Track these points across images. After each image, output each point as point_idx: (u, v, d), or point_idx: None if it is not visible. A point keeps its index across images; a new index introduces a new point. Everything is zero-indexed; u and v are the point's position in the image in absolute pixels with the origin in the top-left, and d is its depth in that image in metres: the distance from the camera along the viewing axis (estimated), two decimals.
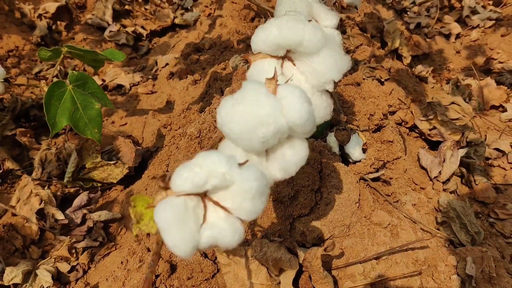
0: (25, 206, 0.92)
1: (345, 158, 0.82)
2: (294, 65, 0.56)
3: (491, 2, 1.84)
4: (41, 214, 0.92)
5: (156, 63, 1.45)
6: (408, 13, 1.80)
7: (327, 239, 0.70)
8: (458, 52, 1.64)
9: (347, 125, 0.84)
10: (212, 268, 0.69)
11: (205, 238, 0.39)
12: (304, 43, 0.53)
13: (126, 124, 1.19)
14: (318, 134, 0.83)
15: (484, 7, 1.82)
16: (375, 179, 0.81)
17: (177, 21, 1.70)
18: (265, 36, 0.55)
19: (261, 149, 0.45)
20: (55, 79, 1.04)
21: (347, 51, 1.29)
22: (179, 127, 1.04)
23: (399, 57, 1.48)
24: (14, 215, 0.93)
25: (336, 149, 0.79)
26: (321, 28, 0.64)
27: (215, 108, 0.92)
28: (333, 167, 0.73)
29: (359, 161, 0.80)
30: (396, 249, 0.70)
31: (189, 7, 1.83)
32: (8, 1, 1.48)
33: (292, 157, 0.47)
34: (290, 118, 0.45)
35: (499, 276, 0.76)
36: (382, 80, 1.09)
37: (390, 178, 0.84)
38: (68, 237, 0.89)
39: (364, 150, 0.81)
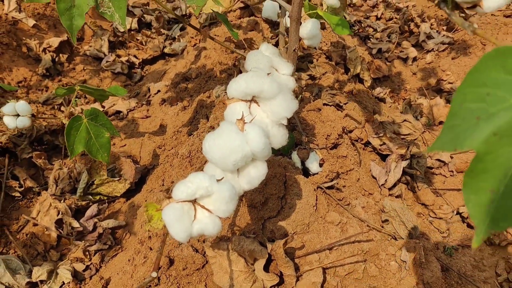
0: (45, 217, 1.11)
1: (306, 172, 1.02)
2: (259, 106, 0.76)
3: (444, 28, 2.08)
4: (58, 223, 1.10)
5: (149, 89, 1.65)
6: (371, 39, 2.03)
7: (291, 234, 0.91)
8: (414, 73, 1.86)
9: (307, 144, 1.05)
10: (202, 260, 0.88)
11: (196, 230, 0.59)
12: (264, 92, 0.73)
13: (125, 145, 1.38)
14: (285, 152, 1.04)
15: (438, 32, 2.06)
16: (329, 187, 1.01)
17: (166, 50, 1.91)
18: (236, 87, 0.75)
19: (233, 169, 0.66)
20: (68, 109, 1.24)
21: (313, 78, 1.50)
22: (172, 148, 1.24)
23: (361, 81, 1.69)
24: (35, 225, 1.12)
25: (298, 164, 1.00)
26: (279, 76, 0.86)
27: (202, 132, 1.13)
28: (295, 179, 0.94)
29: (317, 173, 1.01)
30: (344, 241, 0.90)
31: (176, 37, 2.03)
32: (15, 37, 1.68)
33: (255, 174, 0.68)
34: (252, 148, 0.65)
35: (429, 262, 0.97)
36: (341, 104, 1.30)
37: (343, 186, 1.04)
38: (82, 241, 1.08)
39: (320, 165, 1.02)
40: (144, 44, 1.93)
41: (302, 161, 1.00)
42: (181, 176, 1.07)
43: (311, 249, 0.89)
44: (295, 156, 1.00)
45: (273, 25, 1.73)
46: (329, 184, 1.00)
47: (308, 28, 1.08)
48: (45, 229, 1.10)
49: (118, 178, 1.19)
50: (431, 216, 1.18)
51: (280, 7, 1.29)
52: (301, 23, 1.01)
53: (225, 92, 1.29)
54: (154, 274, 0.66)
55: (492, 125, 0.34)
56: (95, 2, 0.77)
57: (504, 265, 1.08)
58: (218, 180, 0.62)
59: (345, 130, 1.17)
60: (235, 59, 1.56)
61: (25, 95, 1.55)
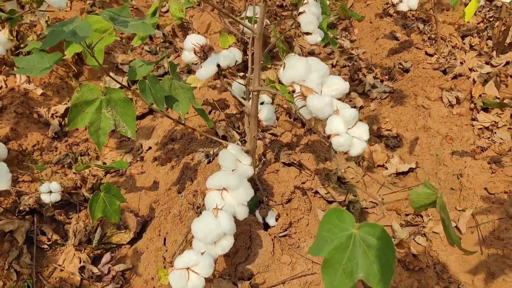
0: (70, 264, 1.45)
1: (266, 225, 1.40)
2: (228, 193, 1.13)
3: (387, 77, 2.48)
4: (81, 269, 1.45)
5: (142, 146, 2.01)
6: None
7: (256, 274, 1.27)
8: (361, 120, 2.25)
9: (267, 203, 1.42)
10: None
11: (189, 286, 0.96)
12: (230, 186, 1.10)
13: (126, 199, 1.73)
14: (250, 211, 1.41)
15: (382, 81, 2.46)
16: (283, 236, 1.39)
17: (153, 107, 2.26)
18: (212, 182, 1.11)
19: (212, 243, 1.03)
20: (87, 184, 1.59)
21: (275, 135, 1.88)
22: (165, 203, 1.60)
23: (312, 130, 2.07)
24: (62, 270, 1.46)
25: (260, 220, 1.37)
26: (242, 166, 1.23)
27: (188, 194, 1.49)
28: (257, 233, 1.31)
29: (274, 226, 1.38)
30: (293, 277, 1.27)
31: None
32: (28, 106, 2.01)
33: (226, 244, 1.05)
34: (223, 228, 1.02)
35: None
36: (295, 161, 1.68)
37: (294, 233, 1.42)
38: (100, 283, 1.42)
39: (276, 219, 1.39)
40: (135, 102, 2.28)
41: (263, 218, 1.37)
42: (174, 230, 1.43)
43: (270, 284, 1.26)
44: (257, 214, 1.37)
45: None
46: (283, 233, 1.37)
47: (265, 113, 1.45)
48: (71, 274, 1.44)
49: (124, 230, 1.54)
50: None
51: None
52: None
53: (205, 157, 1.65)
54: None
55: (332, 245, 0.71)
56: (114, 125, 1.13)
57: (417, 284, 1.46)
58: (202, 253, 0.99)
59: (296, 187, 1.55)
60: (212, 121, 1.92)
61: (39, 157, 1.89)
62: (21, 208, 1.59)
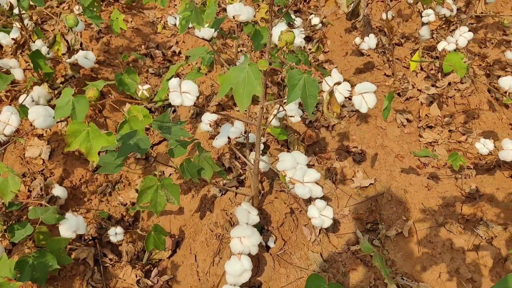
0: (129, 278, 2.05)
1: (268, 247, 2.00)
2: (244, 238, 1.73)
3: None
4: (138, 281, 2.04)
5: (163, 173, 2.56)
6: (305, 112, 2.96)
7: (263, 283, 1.89)
8: (333, 137, 2.82)
9: (267, 230, 2.02)
10: None
11: None
12: (246, 235, 1.71)
13: (159, 221, 2.31)
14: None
15: (350, 98, 3.01)
16: (280, 253, 2.00)
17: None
18: (234, 233, 1.72)
19: (238, 276, 1.65)
20: (139, 227, 2.15)
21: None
22: (191, 227, 2.18)
23: None
24: (123, 281, 2.06)
25: (263, 244, 1.98)
26: (252, 216, 1.83)
27: (210, 224, 2.07)
28: (262, 254, 1.92)
29: (273, 247, 1.99)
30: (288, 283, 1.89)
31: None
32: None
33: (247, 275, 1.66)
34: (245, 267, 1.65)
35: None
36: (285, 189, 2.26)
37: (287, 249, 2.03)
38: None
39: (274, 242, 2.00)
40: (152, 132, 2.81)
41: (265, 242, 1.98)
42: (202, 251, 2.02)
43: None
44: (262, 240, 1.97)
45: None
46: (280, 252, 1.98)
47: (262, 165, 2.03)
48: (131, 285, 2.04)
49: (164, 249, 2.13)
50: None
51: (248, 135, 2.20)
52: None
53: (219, 192, 2.23)
54: None
55: None
56: (166, 199, 1.68)
57: (373, 276, 2.10)
58: (233, 285, 1.59)
59: (287, 213, 2.14)
60: (217, 153, 2.48)
61: (86, 188, 2.44)
62: (86, 237, 2.17)
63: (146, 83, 3.15)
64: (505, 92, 2.07)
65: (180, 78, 3.00)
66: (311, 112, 1.17)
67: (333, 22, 3.63)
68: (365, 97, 1.47)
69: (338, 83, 1.24)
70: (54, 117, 1.71)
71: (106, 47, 3.33)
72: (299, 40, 1.36)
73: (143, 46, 3.54)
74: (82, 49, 2.38)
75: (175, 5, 4.14)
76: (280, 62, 1.41)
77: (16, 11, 2.12)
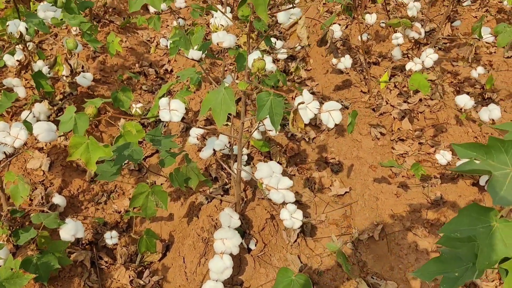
0: (123, 278, 2.24)
1: (249, 249, 2.20)
2: (227, 240, 1.93)
3: None
4: (131, 282, 2.23)
5: (155, 182, 2.76)
6: (287, 125, 3.18)
7: (244, 281, 2.09)
8: (313, 149, 3.05)
9: (249, 234, 2.22)
10: None
11: None
12: (228, 237, 1.91)
13: (151, 227, 2.51)
14: None
15: None
16: (260, 255, 2.20)
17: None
18: (217, 236, 1.92)
19: (220, 273, 1.85)
20: (132, 235, 2.35)
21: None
22: (180, 232, 2.38)
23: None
24: (117, 282, 2.25)
25: (245, 246, 2.18)
26: (233, 220, 2.04)
27: (197, 228, 2.27)
28: (244, 256, 2.12)
29: (254, 249, 2.20)
30: (267, 281, 2.10)
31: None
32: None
33: (228, 273, 1.87)
34: (226, 265, 1.86)
35: None
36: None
37: (267, 251, 2.23)
38: None
39: (255, 244, 2.20)
40: (145, 145, 3.02)
41: (247, 244, 2.18)
42: (190, 254, 2.22)
43: (253, 287, 2.08)
44: (244, 243, 2.17)
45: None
46: (260, 253, 2.18)
47: (245, 175, 2.24)
48: (124, 285, 2.23)
49: (156, 252, 2.33)
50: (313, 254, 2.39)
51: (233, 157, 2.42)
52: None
53: (205, 199, 2.44)
54: None
55: None
56: (155, 204, 1.89)
57: (347, 276, 2.30)
58: (216, 281, 1.80)
59: (267, 218, 2.35)
60: (204, 164, 2.69)
61: (83, 197, 2.64)
62: (83, 242, 2.36)
63: (139, 101, 3.37)
64: (461, 109, 2.31)
65: (171, 95, 3.22)
66: (277, 128, 1.39)
67: (314, 43, 3.88)
68: (332, 114, 1.68)
69: (302, 103, 1.45)
70: (56, 131, 1.91)
71: (102, 66, 3.55)
72: (270, 66, 1.57)
73: (137, 65, 3.77)
74: (83, 72, 2.59)
75: (168, 25, 4.38)
76: (257, 83, 1.62)
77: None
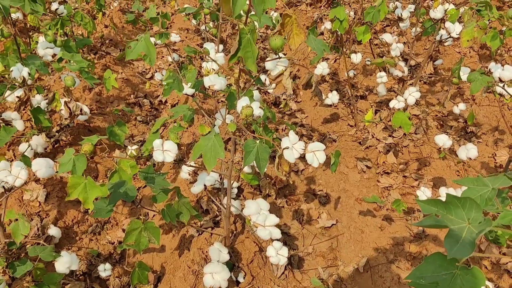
0: None
1: (238, 282, 2.29)
2: (216, 275, 2.01)
3: None
4: None
5: (148, 214, 2.85)
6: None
7: (245, 282, 2.16)
8: (302, 181, 3.15)
9: (238, 266, 2.31)
10: None
11: None
12: (217, 271, 1.99)
13: (143, 258, 2.58)
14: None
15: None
16: (249, 287, 2.28)
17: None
18: (206, 270, 2.00)
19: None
20: (124, 268, 2.43)
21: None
22: (171, 264, 2.46)
23: (269, 195, 2.95)
24: None
25: (234, 279, 2.26)
26: (222, 254, 2.12)
27: (188, 261, 2.35)
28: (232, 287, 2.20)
29: (242, 282, 2.28)
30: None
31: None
32: (64, 190, 2.82)
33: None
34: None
35: None
36: None
37: (255, 283, 2.31)
38: None
39: (244, 277, 2.28)
40: (137, 178, 3.11)
41: (236, 277, 2.26)
42: (180, 285, 2.29)
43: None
44: (232, 276, 2.25)
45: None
46: (248, 286, 2.26)
47: (234, 209, 2.33)
48: None
49: (148, 283, 2.40)
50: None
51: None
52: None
53: (196, 232, 2.52)
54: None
55: None
56: (148, 240, 1.97)
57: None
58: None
59: (256, 251, 2.44)
60: (196, 196, 2.78)
61: (78, 228, 2.71)
62: (77, 272, 2.43)
63: (132, 137, 3.47)
64: (439, 148, 2.43)
65: (165, 127, 3.31)
66: (263, 172, 1.50)
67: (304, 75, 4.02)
68: (316, 154, 1.78)
69: (286, 148, 1.56)
70: (54, 167, 2.00)
71: (98, 97, 3.66)
72: (257, 112, 1.68)
73: (132, 96, 3.88)
74: (82, 114, 2.70)
75: (163, 56, 4.51)
76: (246, 127, 1.72)
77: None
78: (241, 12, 2.43)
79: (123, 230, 2.77)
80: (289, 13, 1.54)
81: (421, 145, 3.13)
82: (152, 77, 4.21)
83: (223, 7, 1.41)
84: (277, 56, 1.68)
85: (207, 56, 2.11)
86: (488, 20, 2.46)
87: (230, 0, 1.36)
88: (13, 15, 2.59)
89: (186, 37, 4.60)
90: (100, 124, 3.39)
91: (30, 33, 3.51)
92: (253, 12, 2.65)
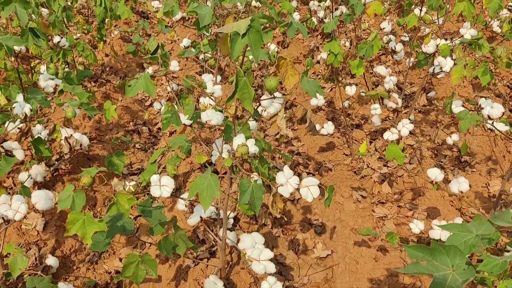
0: None
1: None
2: None
3: (317, 172, 3.42)
4: None
5: (144, 244, 2.87)
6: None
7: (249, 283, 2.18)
8: (298, 210, 3.18)
9: None
10: None
11: None
12: None
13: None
14: None
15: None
16: None
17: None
18: None
19: None
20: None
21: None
22: None
23: (266, 225, 2.98)
24: None
25: None
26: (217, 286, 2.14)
27: None
28: None
29: None
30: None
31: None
32: (62, 219, 2.85)
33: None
34: None
35: None
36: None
37: None
38: None
39: None
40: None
41: None
42: None
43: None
44: None
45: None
46: None
47: (230, 242, 2.36)
48: None
49: None
50: None
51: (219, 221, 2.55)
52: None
53: (192, 263, 2.55)
54: None
55: None
56: (146, 272, 2.00)
57: None
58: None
59: (251, 283, 2.46)
60: (192, 226, 2.81)
61: (75, 257, 2.73)
62: None
63: (131, 165, 3.51)
64: (432, 181, 2.48)
65: (163, 155, 3.35)
66: (258, 210, 1.54)
67: (303, 104, 4.09)
68: (310, 189, 1.82)
69: (281, 185, 1.61)
70: (53, 199, 2.04)
71: (97, 125, 3.72)
72: (253, 149, 1.73)
73: (131, 123, 3.94)
74: (81, 150, 2.75)
75: (162, 83, 4.59)
76: (241, 164, 1.76)
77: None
78: None
79: (120, 260, 2.79)
80: (284, 55, 1.60)
81: (415, 175, 3.18)
82: (151, 105, 4.27)
83: (222, 48, 1.48)
84: (272, 96, 1.74)
85: (204, 91, 2.17)
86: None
87: (228, 43, 1.43)
88: (16, 48, 2.66)
89: (185, 65, 4.68)
90: (99, 152, 3.43)
91: (32, 60, 3.57)
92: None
